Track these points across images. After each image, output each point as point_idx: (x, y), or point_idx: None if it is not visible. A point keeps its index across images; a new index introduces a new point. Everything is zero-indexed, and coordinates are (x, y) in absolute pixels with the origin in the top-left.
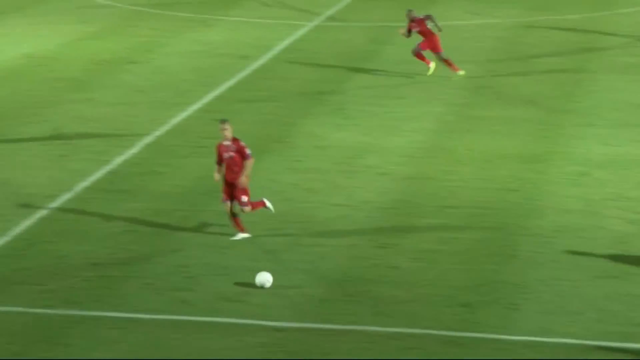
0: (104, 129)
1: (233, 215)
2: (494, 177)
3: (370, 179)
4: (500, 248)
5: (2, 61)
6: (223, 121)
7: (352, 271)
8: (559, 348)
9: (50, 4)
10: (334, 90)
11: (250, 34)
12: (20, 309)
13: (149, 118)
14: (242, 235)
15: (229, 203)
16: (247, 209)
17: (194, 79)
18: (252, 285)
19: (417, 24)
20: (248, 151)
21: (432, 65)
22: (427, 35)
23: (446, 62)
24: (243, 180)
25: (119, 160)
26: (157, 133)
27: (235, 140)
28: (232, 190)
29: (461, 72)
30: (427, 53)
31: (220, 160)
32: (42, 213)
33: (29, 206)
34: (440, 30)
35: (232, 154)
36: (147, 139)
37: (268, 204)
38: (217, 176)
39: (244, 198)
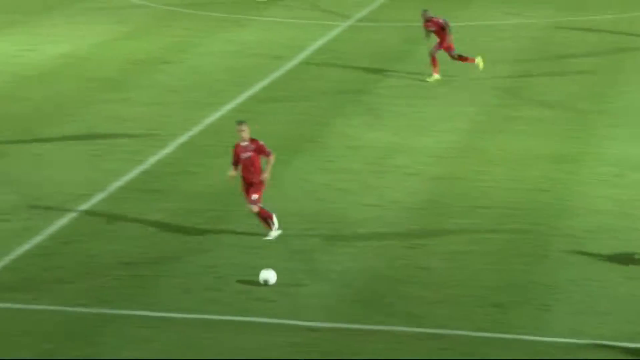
0: (138, 128)
1: (259, 214)
2: (526, 178)
3: (402, 179)
4: (532, 249)
5: (39, 61)
6: (240, 122)
7: (383, 272)
8: (590, 349)
9: (87, 4)
10: (366, 91)
11: (283, 34)
12: (53, 307)
13: (182, 118)
14: (271, 235)
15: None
16: (255, 208)
17: (228, 79)
18: (284, 285)
19: (433, 24)
20: (268, 149)
21: (478, 59)
22: (442, 35)
23: (460, 58)
24: (266, 176)
25: (152, 160)
26: (191, 133)
27: (253, 140)
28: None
29: (479, 60)
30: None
31: (236, 161)
32: (76, 212)
33: (63, 205)
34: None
35: (250, 154)
36: (181, 139)
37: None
38: (233, 173)
39: (255, 196)
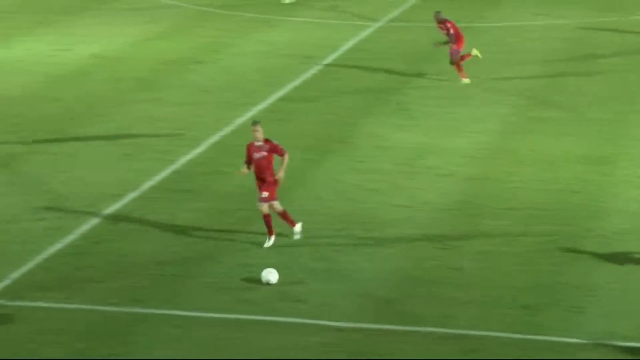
0: (169, 128)
1: (281, 215)
2: (557, 179)
3: (432, 179)
4: (562, 250)
5: (72, 61)
6: (254, 122)
7: (414, 272)
8: (620, 351)
9: (119, 4)
10: (397, 91)
11: (314, 34)
12: (85, 306)
13: (214, 118)
14: (298, 229)
15: (273, 203)
16: (264, 206)
17: (259, 79)
18: (313, 285)
19: (447, 27)
20: (282, 148)
21: (475, 51)
22: (456, 36)
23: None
24: (281, 175)
25: (184, 160)
26: (222, 133)
27: (267, 140)
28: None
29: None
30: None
31: (249, 160)
32: (108, 212)
33: (95, 205)
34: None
35: (264, 153)
36: (212, 139)
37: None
38: (245, 171)
39: (265, 194)
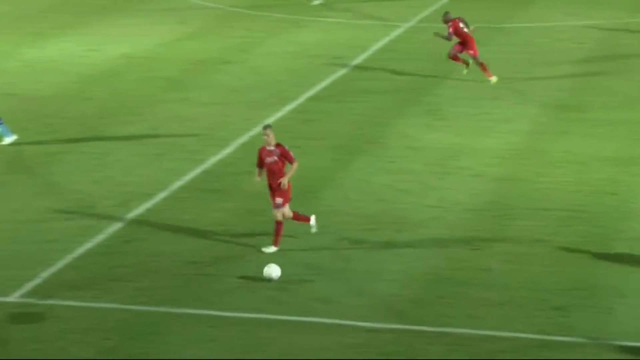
0: (199, 128)
1: (294, 217)
2: (590, 180)
3: (463, 180)
4: (594, 251)
5: (102, 61)
6: (266, 127)
7: (444, 273)
8: None
9: (149, 5)
10: (427, 91)
11: (344, 34)
12: (116, 305)
13: (243, 118)
14: (313, 222)
15: (283, 209)
16: (278, 212)
17: (288, 80)
18: (343, 285)
19: (452, 26)
20: (293, 155)
21: (493, 80)
22: (463, 36)
23: (455, 58)
24: (285, 182)
25: (213, 159)
26: (251, 133)
27: (278, 145)
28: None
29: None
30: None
31: (261, 165)
32: (138, 211)
33: (125, 204)
34: (472, 31)
35: (275, 158)
36: (242, 139)
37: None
38: (258, 178)
39: (279, 200)
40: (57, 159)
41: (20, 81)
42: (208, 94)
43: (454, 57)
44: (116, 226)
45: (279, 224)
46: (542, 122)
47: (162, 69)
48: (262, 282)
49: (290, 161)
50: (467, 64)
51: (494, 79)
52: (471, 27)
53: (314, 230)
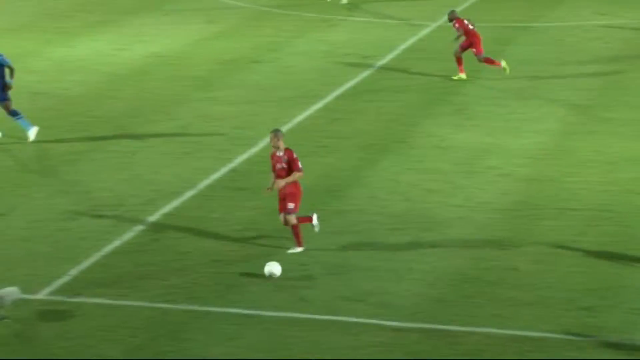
0: (227, 127)
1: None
2: (618, 180)
3: (491, 180)
4: (623, 251)
5: (131, 60)
6: (274, 131)
7: (471, 272)
8: None
9: (178, 4)
10: (455, 91)
11: (372, 34)
12: (143, 303)
13: (271, 117)
14: (315, 222)
15: (283, 215)
16: (292, 217)
17: (317, 79)
18: (370, 284)
19: (459, 25)
20: (299, 164)
21: (503, 63)
22: (469, 35)
23: (459, 60)
24: (280, 183)
25: (241, 158)
26: None
27: (287, 151)
28: (284, 199)
29: (462, 75)
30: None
31: (273, 170)
32: (166, 209)
33: (153, 202)
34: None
35: (284, 165)
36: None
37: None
38: (268, 190)
39: (291, 205)
40: (85, 157)
41: (49, 80)
42: (236, 93)
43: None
44: (144, 224)
45: (294, 227)
46: (570, 122)
47: (190, 68)
48: (287, 281)
49: (295, 169)
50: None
51: (503, 63)
52: (458, 34)
53: (317, 229)
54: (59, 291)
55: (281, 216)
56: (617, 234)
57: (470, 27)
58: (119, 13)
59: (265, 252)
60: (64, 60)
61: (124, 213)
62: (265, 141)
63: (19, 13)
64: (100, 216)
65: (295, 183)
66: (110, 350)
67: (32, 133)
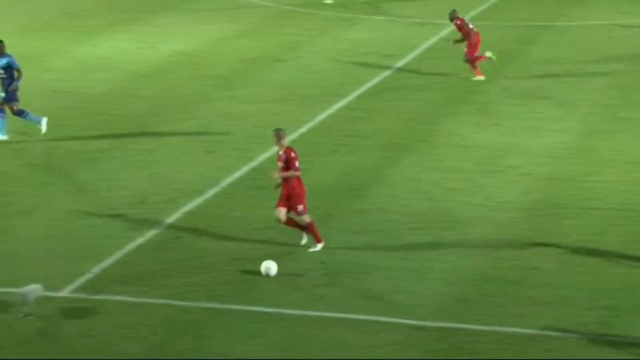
0: (248, 125)
1: (287, 222)
2: (639, 179)
3: (512, 179)
4: None
5: (154, 58)
6: (275, 131)
7: (492, 271)
8: None
9: (201, 4)
10: (477, 90)
11: (394, 33)
12: (163, 300)
13: (293, 116)
14: (317, 246)
15: (281, 210)
16: (306, 217)
17: (338, 77)
18: (390, 283)
19: (458, 25)
20: (296, 164)
21: (489, 54)
22: (468, 35)
23: (472, 63)
24: (275, 174)
25: (262, 157)
26: (301, 130)
27: (286, 150)
28: (288, 199)
29: (481, 78)
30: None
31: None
32: (187, 207)
33: (174, 200)
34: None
35: (281, 164)
36: (291, 136)
37: (315, 249)
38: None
39: (300, 207)
40: (107, 155)
41: (72, 78)
42: (258, 92)
43: (472, 59)
44: (166, 222)
45: (309, 225)
46: (591, 121)
47: (212, 66)
48: (307, 279)
49: (292, 168)
50: (489, 58)
51: (488, 53)
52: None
53: (304, 241)
54: (81, 289)
55: (280, 212)
56: (639, 233)
57: (470, 27)
58: (141, 12)
59: (286, 251)
60: (87, 59)
61: (146, 211)
62: (288, 140)
63: (41, 12)
64: (122, 214)
65: (298, 183)
66: (131, 347)
67: (44, 124)
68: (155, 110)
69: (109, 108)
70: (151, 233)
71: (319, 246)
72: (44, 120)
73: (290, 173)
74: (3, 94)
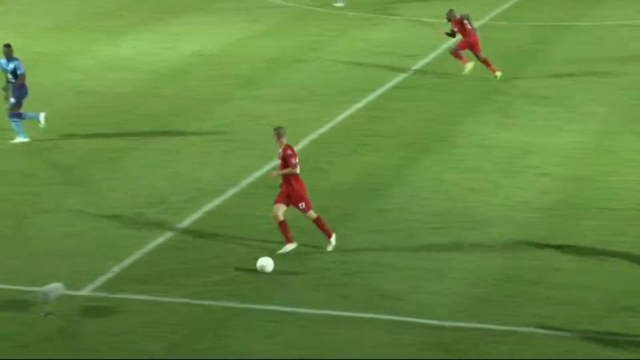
0: (269, 125)
1: (281, 225)
2: None
3: (532, 179)
4: None
5: (175, 58)
6: (274, 130)
7: (512, 271)
8: None
9: (222, 4)
10: (497, 90)
11: (415, 33)
12: (183, 300)
13: (313, 116)
14: (293, 247)
15: (279, 206)
16: (311, 213)
17: (359, 77)
18: (411, 283)
19: (455, 24)
20: (293, 161)
21: (470, 65)
22: (466, 35)
23: (485, 62)
24: (272, 173)
25: None
26: (321, 130)
27: (284, 148)
28: (288, 197)
29: (498, 74)
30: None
31: None
32: (208, 207)
33: (195, 200)
34: (474, 30)
35: (279, 161)
36: (311, 136)
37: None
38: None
39: (302, 205)
40: (128, 154)
41: (93, 78)
42: (279, 92)
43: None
44: (186, 222)
45: (317, 220)
46: (611, 121)
47: (233, 66)
48: (327, 279)
49: (289, 165)
50: (466, 61)
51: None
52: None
53: (287, 249)
54: (102, 288)
55: (277, 209)
56: None
57: (469, 26)
58: (163, 12)
59: (306, 250)
60: (109, 59)
61: (166, 210)
62: (308, 139)
63: (64, 12)
64: (143, 214)
65: (296, 180)
66: (151, 346)
67: (42, 118)
68: (176, 110)
69: (130, 108)
70: (171, 232)
71: (332, 241)
72: (42, 115)
73: (287, 170)
74: (13, 100)
